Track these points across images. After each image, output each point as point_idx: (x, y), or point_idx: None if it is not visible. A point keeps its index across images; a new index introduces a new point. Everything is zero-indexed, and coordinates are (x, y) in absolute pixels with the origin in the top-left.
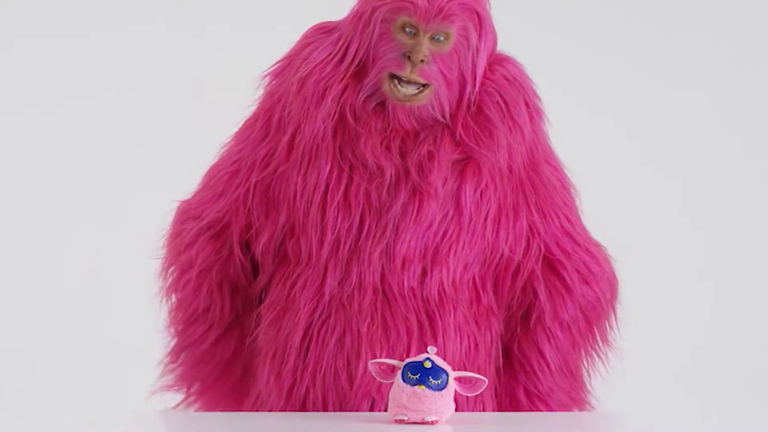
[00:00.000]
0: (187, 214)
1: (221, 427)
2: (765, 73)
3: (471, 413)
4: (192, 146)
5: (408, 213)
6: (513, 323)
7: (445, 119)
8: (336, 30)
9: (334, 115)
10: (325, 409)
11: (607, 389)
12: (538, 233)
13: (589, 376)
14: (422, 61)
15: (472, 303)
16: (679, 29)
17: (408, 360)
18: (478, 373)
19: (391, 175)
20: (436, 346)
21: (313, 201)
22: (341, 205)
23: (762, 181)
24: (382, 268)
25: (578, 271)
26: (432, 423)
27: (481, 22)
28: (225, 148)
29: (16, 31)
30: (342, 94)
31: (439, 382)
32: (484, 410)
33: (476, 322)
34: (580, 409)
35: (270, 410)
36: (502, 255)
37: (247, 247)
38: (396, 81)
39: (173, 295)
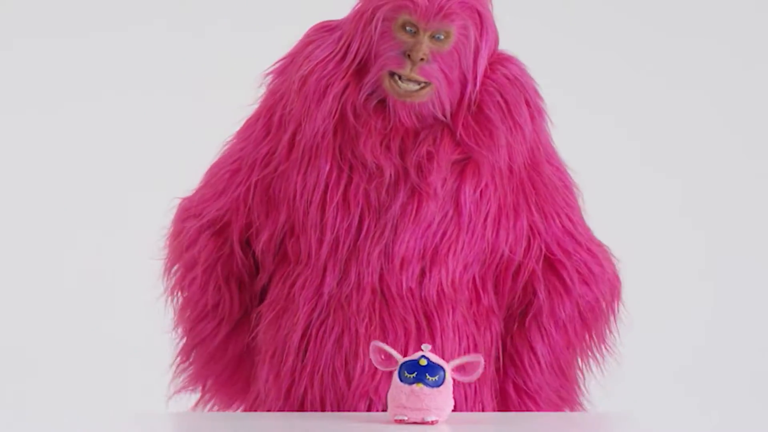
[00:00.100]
0: (187, 212)
1: (220, 427)
2: (765, 73)
3: (470, 413)
4: (192, 146)
5: (407, 213)
6: (512, 322)
7: (445, 118)
8: (338, 29)
9: (335, 114)
10: (323, 409)
11: (606, 390)
12: (539, 233)
13: (583, 376)
14: (422, 59)
15: (471, 303)
16: (679, 29)
17: (404, 359)
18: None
19: (391, 175)
20: (434, 346)
21: (313, 200)
22: (340, 205)
23: (762, 181)
24: (381, 269)
25: (578, 272)
26: (432, 423)
27: (482, 20)
28: (226, 147)
29: (16, 31)
30: (343, 93)
31: (436, 378)
32: (483, 410)
33: (476, 323)
34: (571, 409)
35: (269, 409)
36: (502, 255)
37: (248, 244)
38: (396, 77)
39: (179, 294)
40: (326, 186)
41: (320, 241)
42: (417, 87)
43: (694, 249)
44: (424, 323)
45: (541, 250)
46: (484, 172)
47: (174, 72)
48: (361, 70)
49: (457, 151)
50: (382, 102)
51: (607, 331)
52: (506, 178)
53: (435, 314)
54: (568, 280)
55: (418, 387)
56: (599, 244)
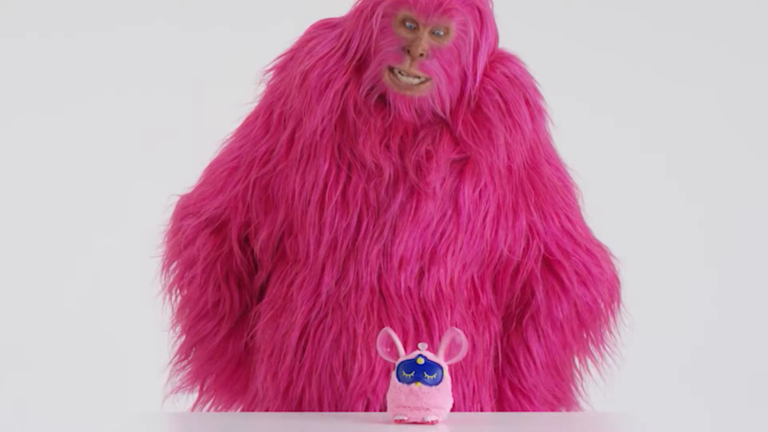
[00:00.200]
0: (186, 210)
1: (219, 427)
2: (766, 72)
3: (470, 413)
4: (192, 144)
5: (406, 213)
6: (510, 322)
7: (445, 114)
8: (338, 26)
9: (336, 110)
10: (321, 409)
11: (606, 390)
12: (538, 233)
13: (581, 377)
14: (422, 55)
15: (470, 303)
16: (679, 29)
17: (401, 359)
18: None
19: (390, 174)
20: (433, 346)
21: (311, 200)
22: (339, 205)
23: (763, 181)
24: (380, 268)
25: (577, 273)
26: (432, 423)
27: (482, 17)
28: (225, 145)
29: (16, 31)
30: (345, 89)
31: (434, 376)
32: (482, 410)
33: (474, 323)
34: (567, 408)
35: (266, 409)
36: (501, 255)
37: (246, 242)
38: (396, 71)
39: (178, 292)
40: (325, 185)
41: (318, 241)
42: (417, 81)
43: (696, 248)
44: (422, 323)
45: (539, 250)
46: (483, 171)
47: (174, 71)
48: (361, 67)
49: (456, 150)
50: (382, 98)
51: (606, 332)
52: (505, 178)
53: (433, 314)
54: (566, 280)
55: (417, 386)
56: (599, 245)
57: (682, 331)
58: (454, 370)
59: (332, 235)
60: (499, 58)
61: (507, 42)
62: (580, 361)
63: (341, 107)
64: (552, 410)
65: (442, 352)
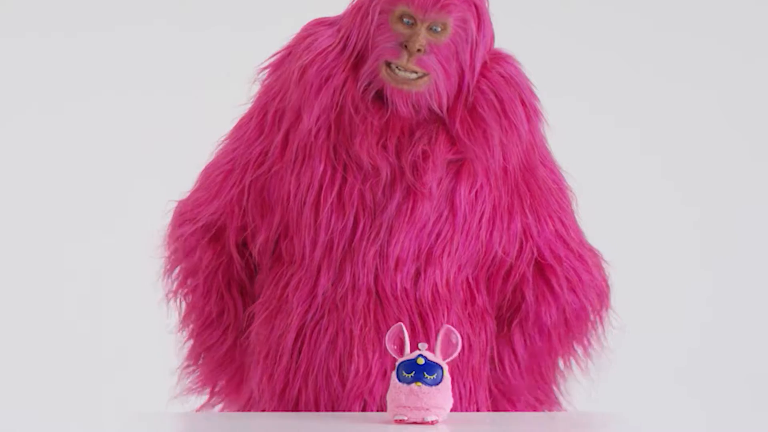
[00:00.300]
0: (183, 216)
1: (218, 427)
2: (766, 72)
3: (466, 413)
4: (192, 145)
5: (402, 213)
6: (501, 325)
7: (441, 111)
8: (335, 24)
9: (334, 107)
10: (317, 410)
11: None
12: (532, 236)
13: (564, 380)
14: (419, 50)
15: (466, 304)
16: (679, 29)
17: (401, 359)
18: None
19: (387, 174)
20: (430, 347)
21: (307, 201)
22: (335, 206)
23: (760, 183)
24: (376, 269)
25: (567, 278)
26: (432, 423)
27: (479, 13)
28: (219, 148)
29: (16, 31)
30: (343, 86)
31: (434, 376)
32: (478, 410)
33: (471, 323)
34: (549, 410)
35: (263, 410)
36: (495, 256)
37: (245, 246)
38: (394, 66)
39: (182, 299)
40: (320, 186)
41: (314, 242)
42: (414, 76)
43: (691, 249)
44: (419, 324)
45: (532, 253)
46: (479, 172)
47: (173, 71)
48: (359, 63)
49: (453, 151)
50: (379, 95)
51: (593, 339)
52: (501, 179)
53: (430, 315)
54: (556, 286)
55: (417, 386)
56: (590, 249)
57: (677, 333)
58: (451, 371)
59: (328, 236)
60: (495, 58)
61: (506, 42)
62: (565, 365)
63: (339, 104)
64: (534, 410)
65: (438, 350)
